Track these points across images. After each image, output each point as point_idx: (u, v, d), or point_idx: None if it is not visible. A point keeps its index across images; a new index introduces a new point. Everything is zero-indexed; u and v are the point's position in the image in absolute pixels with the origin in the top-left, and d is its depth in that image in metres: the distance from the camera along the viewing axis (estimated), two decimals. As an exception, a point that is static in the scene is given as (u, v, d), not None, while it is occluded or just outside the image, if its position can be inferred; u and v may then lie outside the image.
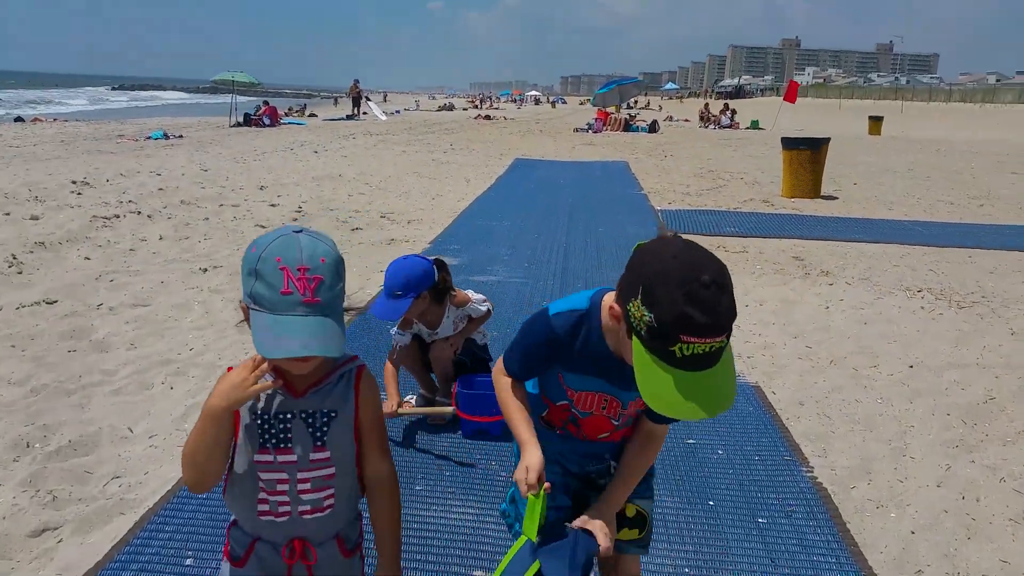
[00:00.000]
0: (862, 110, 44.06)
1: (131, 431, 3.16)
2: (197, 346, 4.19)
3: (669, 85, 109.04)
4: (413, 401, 3.48)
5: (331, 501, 1.44)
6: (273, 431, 1.39)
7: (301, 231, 1.33)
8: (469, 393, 3.16)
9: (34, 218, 7.64)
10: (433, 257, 3.21)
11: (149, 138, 19.94)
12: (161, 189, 9.81)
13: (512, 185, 11.28)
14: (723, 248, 7.04)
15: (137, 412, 3.34)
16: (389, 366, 3.23)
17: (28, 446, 2.99)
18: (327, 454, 1.42)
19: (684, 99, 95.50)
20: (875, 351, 4.35)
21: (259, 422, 1.39)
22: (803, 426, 3.38)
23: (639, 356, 1.31)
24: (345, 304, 1.39)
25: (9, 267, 5.73)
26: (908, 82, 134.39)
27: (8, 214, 7.77)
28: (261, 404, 1.39)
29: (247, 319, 1.33)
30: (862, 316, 5.02)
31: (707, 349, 1.25)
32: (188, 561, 2.30)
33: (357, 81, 36.37)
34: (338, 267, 1.33)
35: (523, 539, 1.58)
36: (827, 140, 10.64)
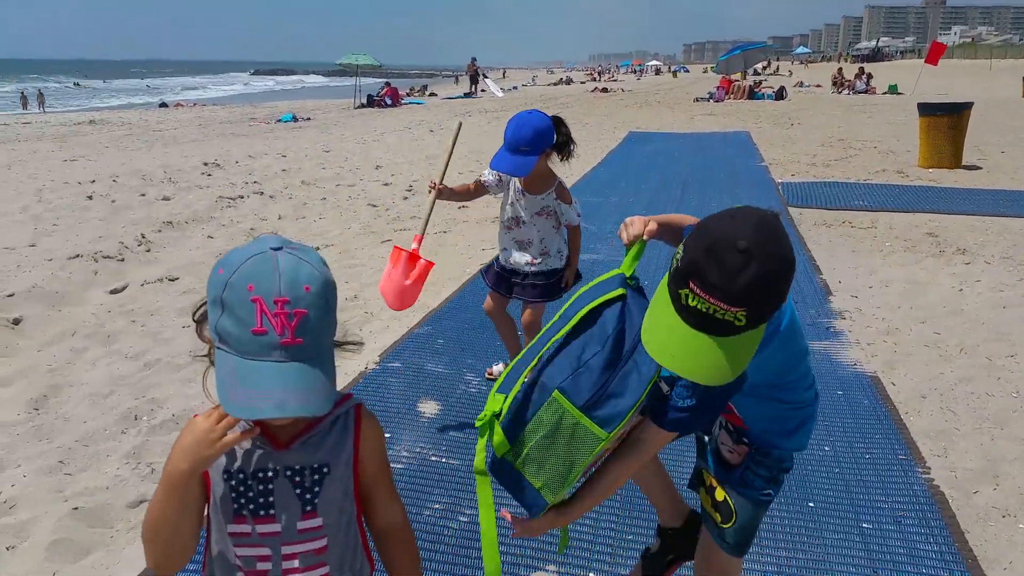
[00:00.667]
0: (1017, 71, 40.22)
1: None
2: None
3: (800, 49, 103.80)
4: (496, 371, 3.46)
5: None
6: (251, 495, 1.12)
7: (281, 247, 1.04)
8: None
9: (165, 199, 8.13)
10: (552, 115, 3.09)
11: (279, 121, 20.87)
12: (285, 170, 10.23)
13: (624, 160, 11.01)
14: (848, 223, 6.58)
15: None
16: None
17: (136, 419, 3.17)
18: (319, 521, 1.14)
19: (816, 63, 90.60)
20: (1013, 339, 3.93)
21: (233, 483, 1.11)
22: (924, 422, 3.08)
23: (660, 290, 1.31)
24: (339, 337, 1.12)
25: (138, 245, 6.11)
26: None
27: (144, 195, 8.31)
28: (236, 462, 1.11)
29: (211, 358, 1.08)
30: (1001, 299, 4.55)
31: (706, 309, 1.20)
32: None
33: (474, 59, 36.68)
34: (327, 295, 1.05)
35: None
36: (970, 105, 9.74)
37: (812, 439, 2.84)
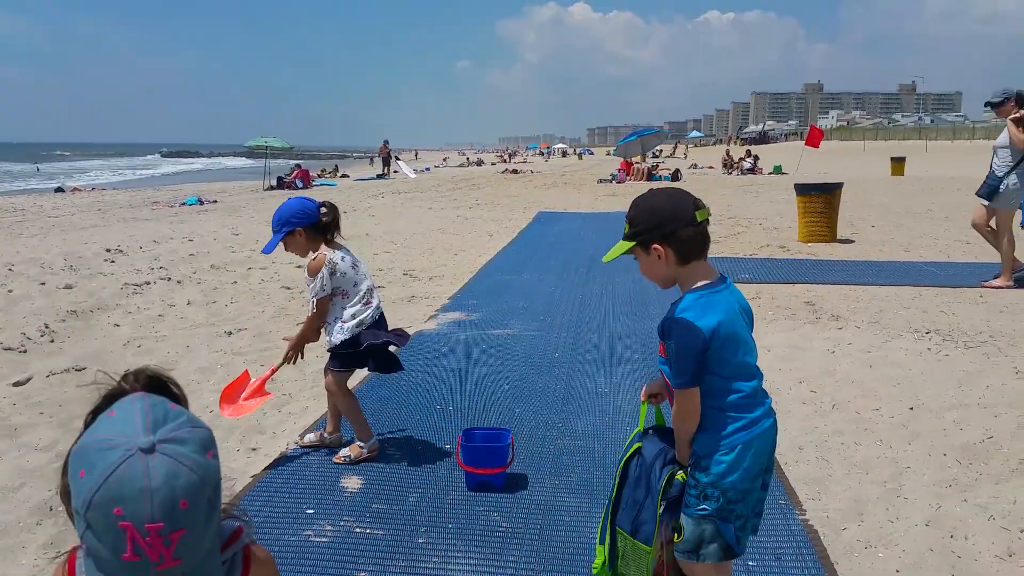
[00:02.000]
0: (886, 151, 43.90)
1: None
2: (218, 407, 4.38)
3: (693, 133, 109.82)
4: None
5: None
6: None
7: (153, 448, 0.92)
8: (472, 446, 3.28)
9: (68, 287, 7.98)
10: (324, 203, 3.47)
11: (184, 204, 20.61)
12: (192, 255, 10.19)
13: (534, 239, 11.49)
14: (736, 295, 7.12)
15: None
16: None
17: (51, 510, 3.17)
18: None
19: (707, 146, 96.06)
20: (879, 394, 4.39)
21: None
22: (801, 470, 3.43)
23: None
24: (225, 504, 1.06)
25: (41, 336, 6.01)
26: (932, 121, 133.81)
27: (43, 284, 8.13)
28: None
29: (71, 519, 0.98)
30: (868, 359, 5.06)
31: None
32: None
33: (387, 142, 37.38)
34: (210, 498, 0.96)
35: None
36: (840, 185, 10.72)
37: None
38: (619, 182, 25.24)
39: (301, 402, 4.49)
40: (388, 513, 3.08)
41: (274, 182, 27.37)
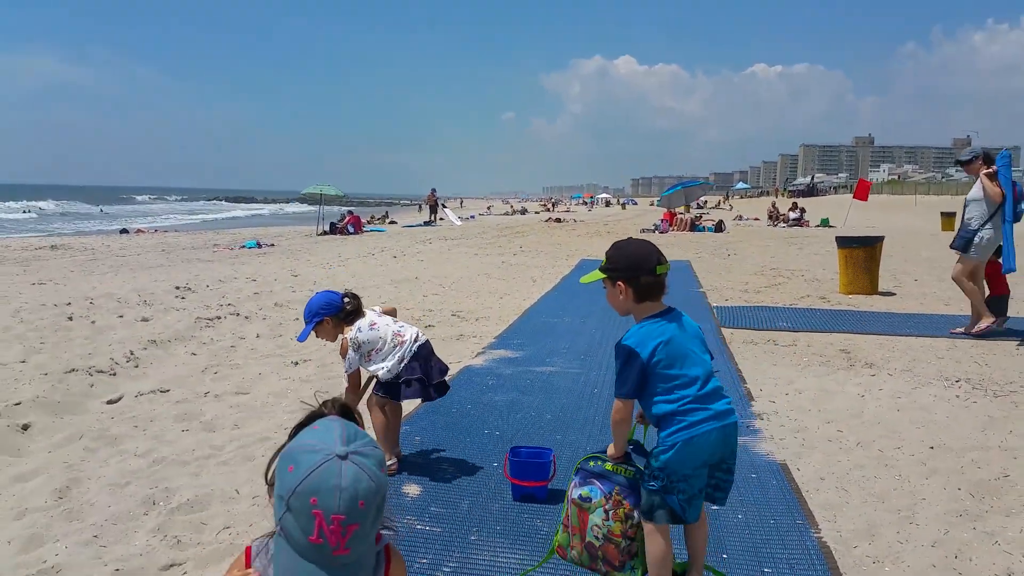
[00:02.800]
0: (938, 206, 43.38)
1: (238, 492, 3.78)
2: (291, 425, 4.84)
3: (740, 184, 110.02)
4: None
5: None
6: None
7: (347, 456, 1.21)
8: (518, 461, 3.66)
9: (144, 319, 8.63)
10: (345, 291, 3.96)
11: (243, 247, 21.56)
12: (256, 293, 10.82)
13: (576, 285, 11.89)
14: (773, 342, 7.42)
15: (242, 478, 3.97)
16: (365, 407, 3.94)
17: (154, 503, 3.64)
18: None
19: (753, 197, 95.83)
20: (902, 435, 4.65)
21: None
22: (821, 497, 3.73)
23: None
24: (383, 521, 1.32)
25: (127, 361, 6.59)
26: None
27: (122, 316, 8.79)
28: None
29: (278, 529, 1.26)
30: (896, 404, 5.31)
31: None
32: None
33: (434, 190, 38.40)
34: (379, 504, 1.22)
35: None
36: (881, 238, 10.95)
37: (728, 509, 3.47)
38: (662, 232, 25.59)
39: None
40: (443, 515, 3.48)
41: (327, 227, 28.35)
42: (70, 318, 8.55)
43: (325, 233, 27.55)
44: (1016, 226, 7.53)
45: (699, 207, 50.32)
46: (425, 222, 36.01)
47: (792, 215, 32.58)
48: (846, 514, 3.53)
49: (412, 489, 3.80)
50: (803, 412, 5.13)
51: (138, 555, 3.12)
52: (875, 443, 4.52)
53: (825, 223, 31.86)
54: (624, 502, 2.58)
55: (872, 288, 10.59)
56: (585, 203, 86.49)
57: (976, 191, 7.62)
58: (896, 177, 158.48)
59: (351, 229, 28.00)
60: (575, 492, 2.67)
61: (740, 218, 39.39)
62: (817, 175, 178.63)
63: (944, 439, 4.57)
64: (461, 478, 3.95)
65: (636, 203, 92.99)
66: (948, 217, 28.74)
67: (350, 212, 31.29)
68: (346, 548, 1.18)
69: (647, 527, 2.55)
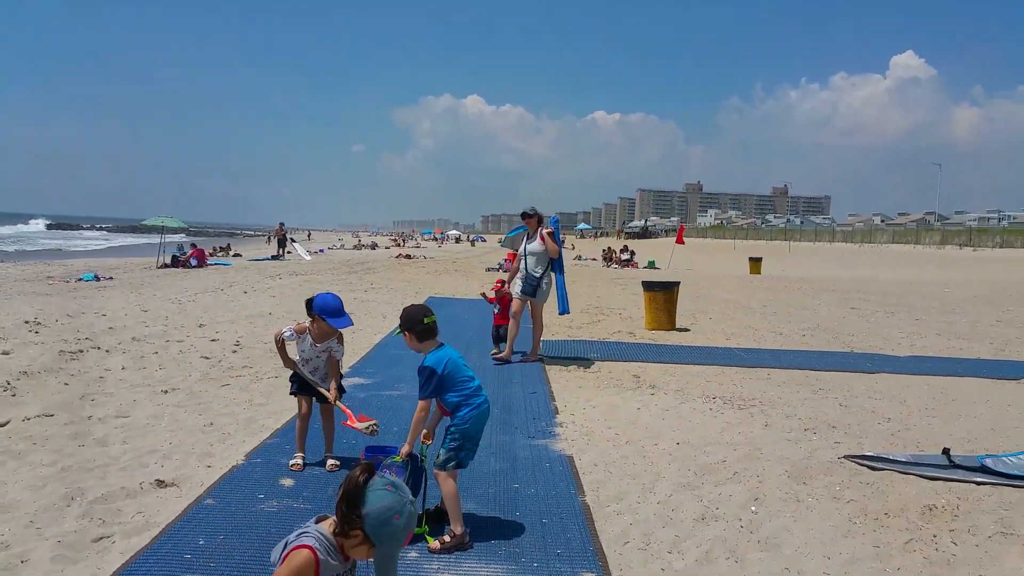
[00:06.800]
0: (754, 250, 48.31)
1: (141, 487, 4.71)
2: (175, 441, 5.76)
3: (582, 225, 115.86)
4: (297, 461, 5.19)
5: None
6: None
7: (413, 500, 2.30)
8: (369, 456, 4.83)
9: (5, 353, 8.98)
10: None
11: (81, 279, 21.01)
12: (111, 328, 11.23)
13: (421, 321, 13.10)
14: (581, 367, 8.98)
15: (141, 479, 4.88)
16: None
17: (73, 498, 4.50)
18: None
19: (595, 238, 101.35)
20: (661, 435, 6.23)
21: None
22: (591, 477, 5.17)
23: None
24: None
25: (3, 391, 7.13)
26: (802, 223, 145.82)
27: (-21, 350, 9.08)
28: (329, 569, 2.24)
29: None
30: (663, 414, 6.93)
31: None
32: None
33: (282, 224, 38.47)
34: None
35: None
36: (677, 283, 13.00)
37: (526, 482, 4.78)
38: (505, 271, 27.38)
39: (237, 439, 5.91)
40: (314, 497, 4.60)
41: (168, 260, 27.89)
42: (-78, 352, 8.77)
43: (166, 266, 27.12)
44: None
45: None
46: (273, 256, 36.00)
47: (623, 256, 35.55)
48: (607, 486, 4.98)
49: (287, 481, 4.90)
50: (593, 421, 6.64)
51: (72, 532, 4.02)
52: (640, 441, 6.06)
53: (652, 265, 35.02)
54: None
55: (671, 325, 12.56)
56: (436, 239, 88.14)
57: (538, 245, 9.49)
58: (720, 222, 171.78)
59: (194, 262, 27.69)
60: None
61: (579, 258, 42.23)
62: (652, 218, 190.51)
63: (689, 438, 6.18)
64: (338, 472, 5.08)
65: (485, 240, 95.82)
66: (755, 262, 32.48)
67: (193, 245, 30.89)
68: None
69: (442, 475, 3.99)
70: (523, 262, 9.51)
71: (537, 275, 9.32)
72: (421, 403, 4.03)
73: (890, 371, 9.36)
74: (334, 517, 2.28)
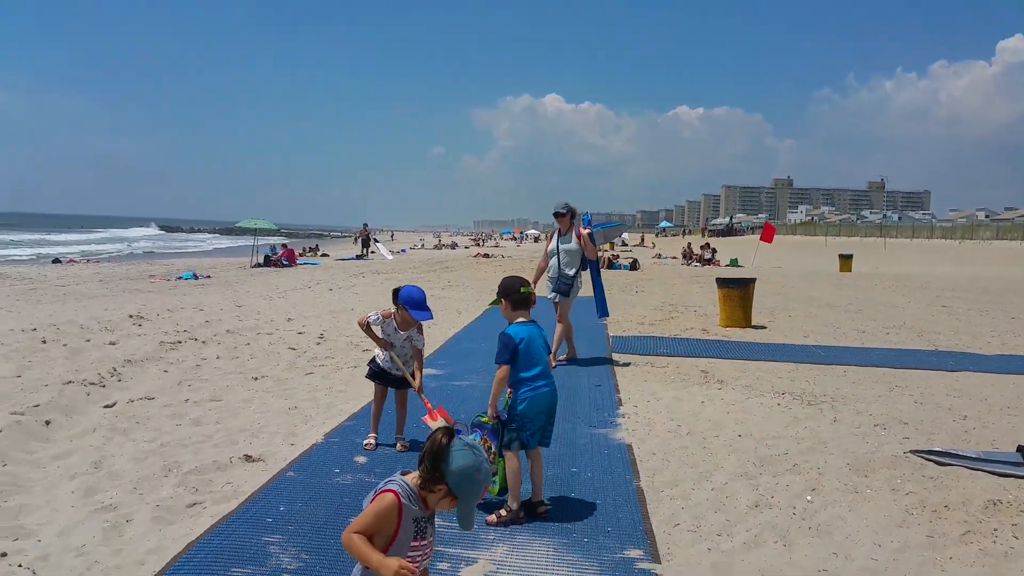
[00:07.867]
0: (846, 247, 46.63)
1: (231, 461, 5.15)
2: (262, 422, 6.23)
3: (664, 223, 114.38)
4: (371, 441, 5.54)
5: None
6: (417, 528, 2.50)
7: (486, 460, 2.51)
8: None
9: (112, 343, 9.75)
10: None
11: (180, 278, 22.35)
12: (207, 321, 11.99)
13: (496, 316, 13.41)
14: (651, 364, 9.10)
15: (231, 454, 5.33)
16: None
17: (170, 470, 4.98)
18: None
19: (676, 236, 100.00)
20: (723, 428, 6.31)
21: (414, 526, 2.49)
22: (649, 464, 5.33)
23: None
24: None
25: (111, 376, 7.79)
26: (900, 219, 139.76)
27: (89, 340, 9.89)
28: (412, 515, 2.50)
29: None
30: (728, 408, 7.00)
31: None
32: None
33: (366, 225, 39.64)
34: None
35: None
36: (753, 280, 12.88)
37: (583, 467, 4.99)
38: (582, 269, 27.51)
39: (317, 423, 6.33)
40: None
41: (261, 260, 29.22)
42: (43, 341, 9.62)
43: (259, 265, 28.42)
44: None
45: (623, 244, 52.87)
46: (357, 256, 37.15)
47: (705, 255, 35.07)
48: (663, 473, 5.14)
49: (361, 458, 5.26)
50: (656, 413, 6.77)
51: (169, 498, 4.48)
52: (701, 433, 6.16)
53: (734, 263, 34.39)
54: (488, 441, 4.20)
55: (746, 322, 12.46)
56: (515, 238, 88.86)
57: (573, 244, 9.07)
58: (811, 219, 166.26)
59: (285, 262, 28.95)
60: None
61: (659, 256, 41.86)
62: (738, 215, 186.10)
63: (752, 431, 6.24)
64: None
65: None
66: (845, 259, 31.39)
67: (284, 245, 32.23)
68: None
69: (508, 454, 4.18)
70: (555, 259, 9.14)
71: (570, 274, 9.00)
72: (499, 368, 4.27)
73: (974, 369, 9.10)
74: (417, 471, 2.52)
